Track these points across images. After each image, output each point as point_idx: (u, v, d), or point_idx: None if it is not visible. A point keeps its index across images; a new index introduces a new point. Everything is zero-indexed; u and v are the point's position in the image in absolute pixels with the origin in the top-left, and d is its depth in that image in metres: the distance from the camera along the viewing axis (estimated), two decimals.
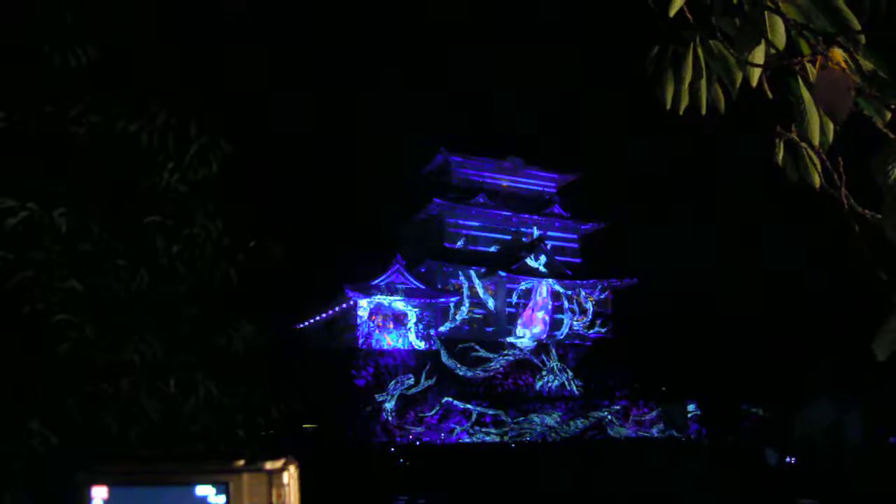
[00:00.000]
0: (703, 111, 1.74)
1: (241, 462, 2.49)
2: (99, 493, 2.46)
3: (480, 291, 52.03)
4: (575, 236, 58.01)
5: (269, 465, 2.51)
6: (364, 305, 47.44)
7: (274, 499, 2.49)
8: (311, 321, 52.72)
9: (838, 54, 1.53)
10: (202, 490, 2.47)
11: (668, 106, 1.72)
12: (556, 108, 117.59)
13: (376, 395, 45.08)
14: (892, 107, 1.56)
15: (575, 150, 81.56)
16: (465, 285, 51.55)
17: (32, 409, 4.27)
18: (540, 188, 58.05)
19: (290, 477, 2.58)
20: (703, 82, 1.69)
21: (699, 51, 1.67)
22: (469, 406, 47.04)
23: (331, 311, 49.97)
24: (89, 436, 4.49)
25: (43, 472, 4.30)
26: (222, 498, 2.46)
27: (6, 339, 4.43)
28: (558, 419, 49.18)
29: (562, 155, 61.50)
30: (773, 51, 1.62)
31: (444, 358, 48.66)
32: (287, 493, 2.53)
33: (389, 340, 47.76)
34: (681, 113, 1.72)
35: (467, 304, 51.32)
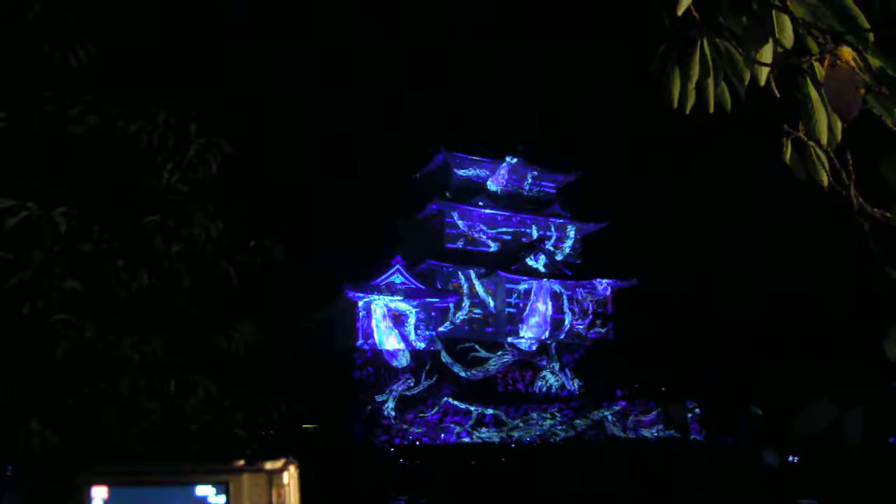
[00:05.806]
0: (711, 110, 1.72)
1: (241, 462, 2.47)
2: (99, 493, 2.45)
3: (480, 291, 52.00)
4: (575, 236, 57.96)
5: (269, 465, 2.49)
6: (363, 305, 47.41)
7: (274, 499, 2.47)
8: (312, 321, 52.69)
9: (847, 53, 1.51)
10: (202, 490, 2.45)
11: (675, 105, 1.70)
12: (556, 108, 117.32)
13: (376, 395, 45.05)
14: None
15: (575, 150, 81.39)
16: (465, 285, 51.52)
17: (32, 409, 4.25)
18: (540, 188, 58.02)
19: (290, 477, 2.57)
20: (711, 81, 1.67)
21: (707, 49, 1.65)
22: (469, 406, 47.02)
23: (331, 311, 49.90)
24: (89, 436, 4.47)
25: (43, 472, 4.28)
26: (222, 498, 2.45)
27: (6, 339, 4.42)
28: (558, 419, 49.16)
29: (562, 155, 61.45)
30: (780, 49, 1.60)
31: (444, 358, 48.64)
32: (287, 493, 2.52)
33: (389, 340, 47.72)
34: (687, 112, 1.70)
35: (467, 304, 51.28)
